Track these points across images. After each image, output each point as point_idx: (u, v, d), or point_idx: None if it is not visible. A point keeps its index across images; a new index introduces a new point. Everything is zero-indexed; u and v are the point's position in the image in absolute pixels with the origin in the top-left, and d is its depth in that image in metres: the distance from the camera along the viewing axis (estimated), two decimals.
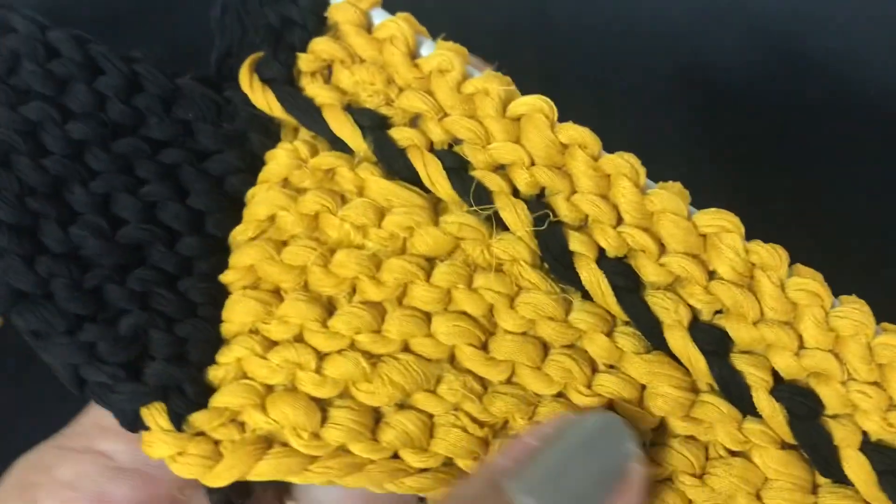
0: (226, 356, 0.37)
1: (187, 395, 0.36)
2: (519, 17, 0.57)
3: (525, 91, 0.36)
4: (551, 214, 0.35)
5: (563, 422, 0.34)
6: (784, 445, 0.35)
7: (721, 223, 0.34)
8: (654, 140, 0.54)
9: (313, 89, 0.37)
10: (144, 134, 0.37)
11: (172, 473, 0.36)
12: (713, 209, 0.35)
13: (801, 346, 0.34)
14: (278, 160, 0.37)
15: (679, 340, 0.34)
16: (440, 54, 0.36)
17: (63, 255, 0.35)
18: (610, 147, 0.36)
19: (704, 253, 0.35)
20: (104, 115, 0.37)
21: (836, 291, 0.34)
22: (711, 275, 0.35)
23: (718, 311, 0.35)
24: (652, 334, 0.35)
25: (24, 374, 0.55)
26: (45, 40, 0.36)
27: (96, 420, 0.41)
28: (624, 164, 0.35)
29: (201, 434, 0.36)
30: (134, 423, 0.36)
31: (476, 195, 0.35)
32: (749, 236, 0.35)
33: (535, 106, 0.35)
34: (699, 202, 0.36)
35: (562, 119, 0.36)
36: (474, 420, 0.36)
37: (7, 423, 0.42)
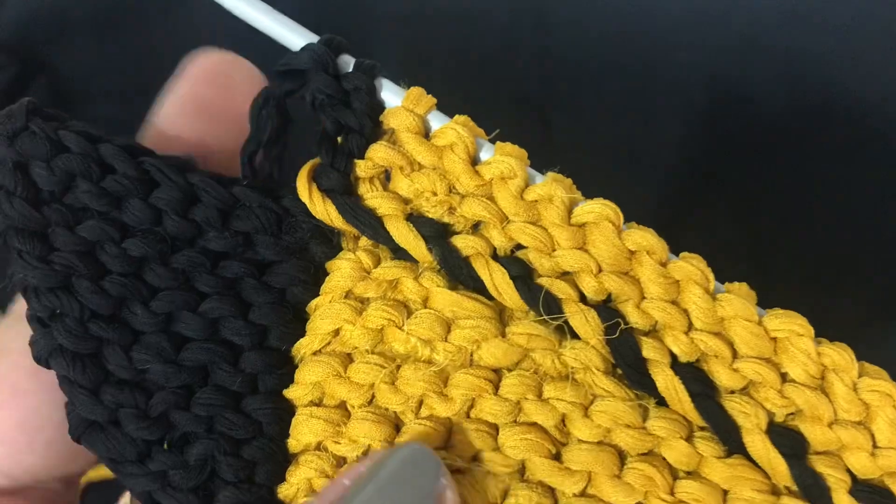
0: (296, 476, 0.36)
1: None
2: (519, 18, 0.57)
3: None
4: (622, 322, 0.35)
5: (374, 458, 0.33)
6: None
7: (792, 327, 0.35)
8: (653, 139, 0.53)
9: (373, 199, 0.37)
10: (203, 246, 0.37)
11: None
12: (781, 312, 0.35)
13: (875, 446, 0.35)
14: (342, 272, 0.37)
15: (759, 444, 0.34)
16: (501, 161, 0.36)
17: (128, 382, 0.35)
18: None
19: (776, 356, 0.35)
20: (161, 230, 0.36)
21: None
22: (783, 377, 0.35)
23: (790, 414, 0.35)
24: (730, 439, 0.35)
25: None
26: (98, 157, 0.35)
27: None
28: (694, 271, 0.35)
29: None
30: None
31: (545, 303, 0.35)
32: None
33: (602, 214, 0.35)
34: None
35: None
36: None
37: None
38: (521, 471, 0.35)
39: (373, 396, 0.36)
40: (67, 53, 0.60)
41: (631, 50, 0.62)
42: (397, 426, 0.36)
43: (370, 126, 0.37)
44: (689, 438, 0.35)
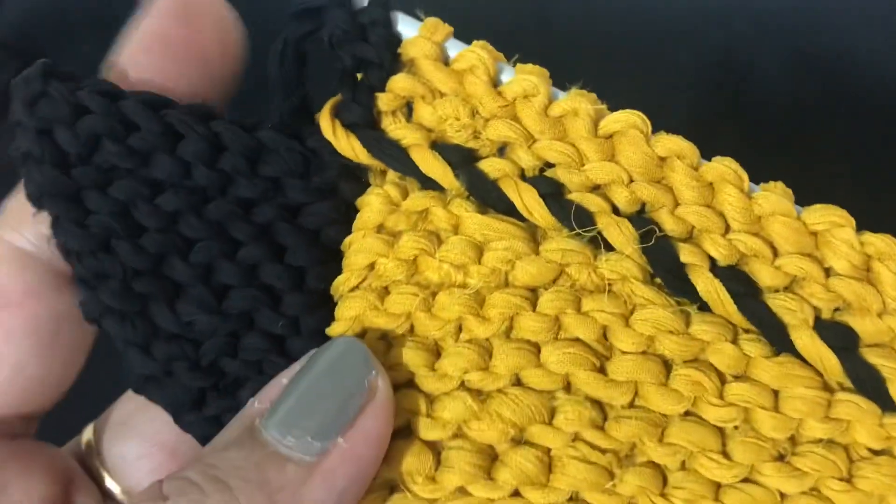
0: None
1: None
2: (519, 17, 0.57)
3: None
4: (657, 229, 0.34)
5: (308, 356, 0.34)
6: None
7: (831, 219, 0.34)
8: None
9: (397, 130, 0.37)
10: (234, 194, 0.37)
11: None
12: (819, 206, 0.34)
13: None
14: (371, 207, 0.37)
15: (808, 340, 0.34)
16: (524, 79, 0.36)
17: (176, 336, 0.36)
18: None
19: (817, 251, 0.34)
20: (192, 182, 0.36)
21: None
22: (827, 272, 0.34)
23: (836, 309, 0.35)
24: (777, 338, 0.34)
25: None
26: (120, 115, 0.35)
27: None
28: (727, 171, 0.34)
29: None
30: None
31: (577, 218, 0.35)
32: None
33: (629, 122, 0.35)
34: None
35: None
36: (595, 448, 0.35)
37: None
38: (567, 388, 0.35)
39: (412, 327, 0.36)
40: (67, 53, 0.61)
41: (630, 50, 0.62)
42: (438, 353, 0.36)
43: (389, 59, 0.37)
44: (734, 341, 0.34)
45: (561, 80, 0.36)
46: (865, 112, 0.62)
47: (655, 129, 0.35)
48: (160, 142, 0.36)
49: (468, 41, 0.37)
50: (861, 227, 0.34)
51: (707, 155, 0.35)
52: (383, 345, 0.36)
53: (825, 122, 0.62)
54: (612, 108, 0.36)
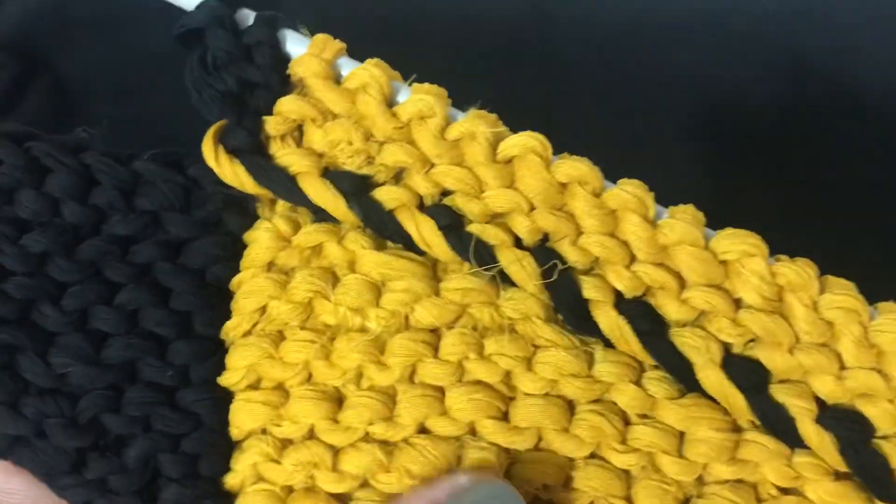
0: (240, 463, 0.34)
1: None
2: (519, 18, 0.56)
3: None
4: (559, 262, 0.33)
5: (453, 486, 0.32)
6: (838, 476, 0.32)
7: (742, 248, 0.32)
8: (654, 140, 0.52)
9: (285, 157, 0.34)
10: (109, 231, 0.34)
11: None
12: (730, 231, 0.33)
13: (842, 367, 0.32)
14: (260, 243, 0.34)
15: (714, 380, 0.32)
16: (419, 99, 0.33)
17: (49, 390, 0.33)
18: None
19: (727, 281, 0.32)
20: (61, 220, 0.33)
21: None
22: (737, 303, 0.32)
23: (750, 341, 0.33)
24: (683, 376, 0.32)
25: None
26: None
27: None
28: (629, 199, 0.32)
29: None
30: None
31: (477, 252, 0.33)
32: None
33: (527, 146, 0.33)
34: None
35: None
36: None
37: None
38: (473, 431, 0.33)
39: (311, 374, 0.34)
40: (67, 53, 0.59)
41: (632, 51, 0.61)
42: (340, 400, 0.34)
43: (277, 80, 0.35)
44: (639, 381, 0.33)
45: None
46: (867, 114, 0.61)
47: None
48: (25, 177, 0.33)
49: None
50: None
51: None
52: (280, 395, 0.34)
53: (826, 124, 0.61)
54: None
